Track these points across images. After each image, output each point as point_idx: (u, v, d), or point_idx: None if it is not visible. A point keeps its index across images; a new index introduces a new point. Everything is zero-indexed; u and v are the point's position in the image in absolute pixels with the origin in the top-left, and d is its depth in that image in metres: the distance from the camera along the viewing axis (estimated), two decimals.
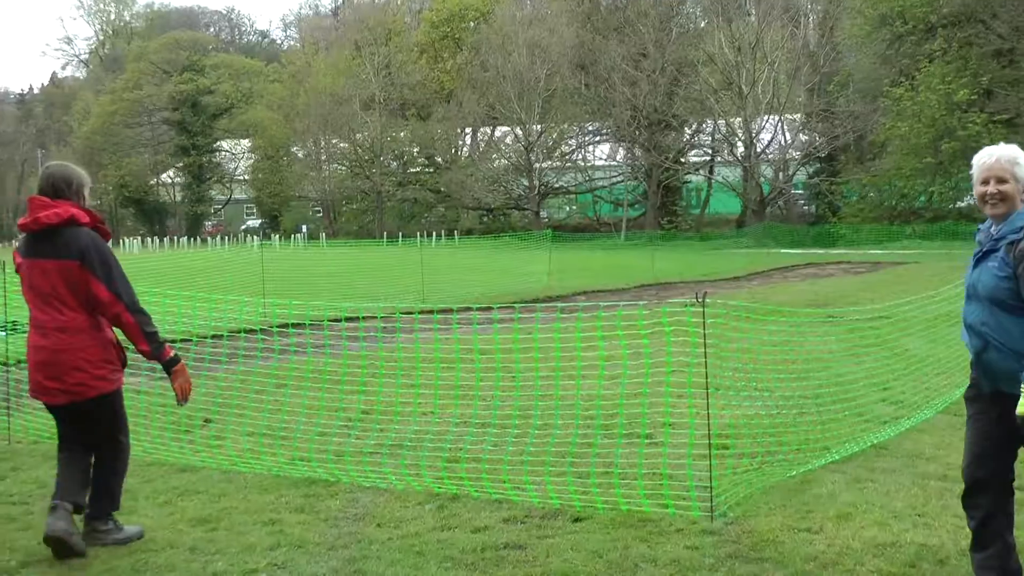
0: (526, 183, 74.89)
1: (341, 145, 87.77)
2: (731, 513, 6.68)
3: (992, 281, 5.00)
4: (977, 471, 5.20)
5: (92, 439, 6.48)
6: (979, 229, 5.29)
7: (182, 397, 6.47)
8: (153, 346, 6.33)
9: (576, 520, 6.70)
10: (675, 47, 65.65)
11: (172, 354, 6.40)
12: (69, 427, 6.46)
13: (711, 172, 73.59)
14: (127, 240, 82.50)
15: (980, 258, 5.14)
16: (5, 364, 10.55)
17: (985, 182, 5.18)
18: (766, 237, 58.95)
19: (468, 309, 10.00)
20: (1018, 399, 4.75)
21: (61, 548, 6.15)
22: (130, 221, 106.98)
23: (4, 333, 15.26)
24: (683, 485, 7.05)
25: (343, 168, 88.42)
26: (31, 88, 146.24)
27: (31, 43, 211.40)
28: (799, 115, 66.91)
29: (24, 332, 14.93)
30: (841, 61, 65.96)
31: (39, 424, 9.89)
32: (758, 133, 65.31)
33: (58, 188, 6.28)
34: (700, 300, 6.59)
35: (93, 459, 6.52)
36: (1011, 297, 4.92)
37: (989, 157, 5.21)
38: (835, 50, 64.96)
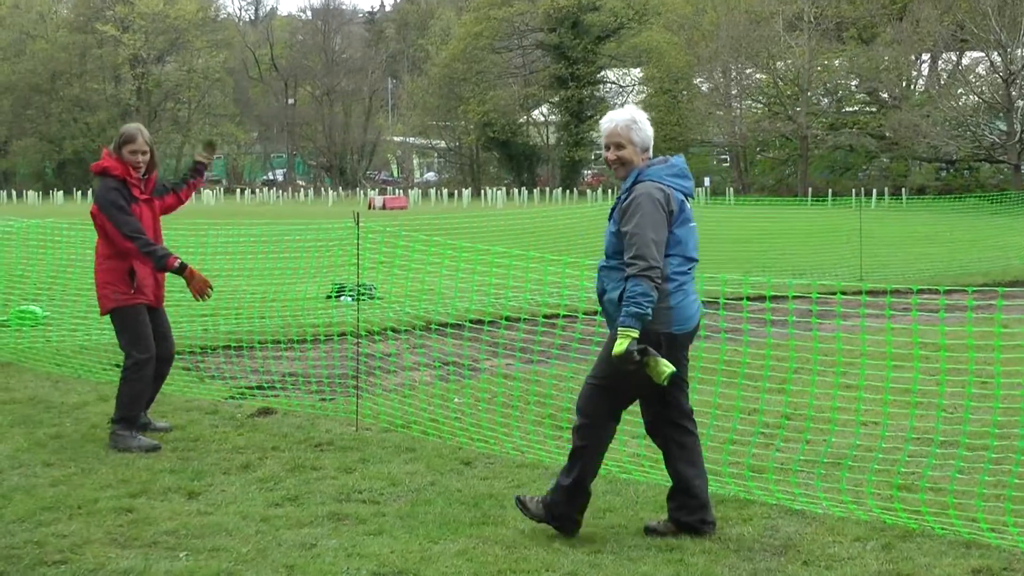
0: (1003, 127, 71.59)
1: (757, 76, 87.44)
2: None
3: (607, 235, 7.06)
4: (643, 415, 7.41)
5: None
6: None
7: (199, 295, 9.45)
8: (153, 260, 9.42)
9: None
10: None
11: (177, 263, 9.35)
12: None
13: None
14: (490, 191, 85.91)
15: (610, 215, 7.14)
16: (355, 335, 11.26)
17: (607, 148, 7.14)
18: None
19: (931, 291, 9.69)
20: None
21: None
22: (493, 167, 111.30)
23: (351, 299, 16.37)
24: None
25: (759, 106, 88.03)
26: (382, 5, 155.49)
27: None
28: None
29: (379, 298, 15.97)
30: None
31: (391, 409, 10.51)
32: None
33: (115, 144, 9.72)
34: None
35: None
36: (615, 249, 6.98)
37: (609, 123, 7.12)
38: None
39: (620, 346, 6.66)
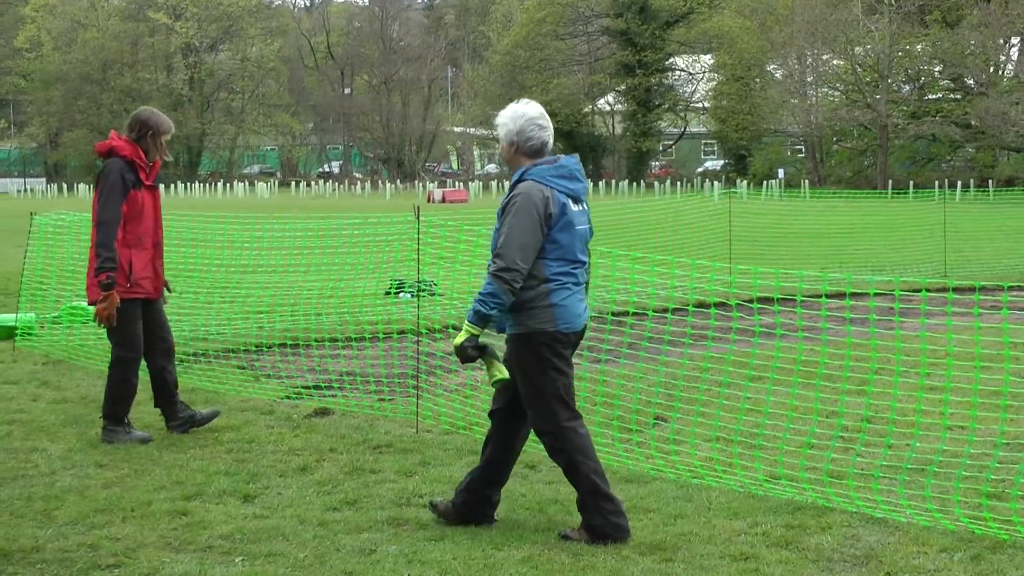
0: None
1: (834, 62, 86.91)
2: None
3: (493, 234, 7.25)
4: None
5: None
6: None
7: (98, 316, 9.47)
8: (98, 260, 9.40)
9: None
10: None
11: (106, 280, 9.33)
12: None
13: None
14: None
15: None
16: (415, 333, 11.27)
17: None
18: None
19: (1022, 288, 9.59)
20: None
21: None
22: None
23: (411, 296, 16.40)
24: None
25: (836, 93, 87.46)
26: None
27: None
28: None
29: (440, 295, 16.01)
30: None
31: (453, 410, 10.51)
32: None
33: (128, 127, 9.73)
34: None
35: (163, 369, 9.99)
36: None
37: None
38: None
39: (458, 339, 7.08)
